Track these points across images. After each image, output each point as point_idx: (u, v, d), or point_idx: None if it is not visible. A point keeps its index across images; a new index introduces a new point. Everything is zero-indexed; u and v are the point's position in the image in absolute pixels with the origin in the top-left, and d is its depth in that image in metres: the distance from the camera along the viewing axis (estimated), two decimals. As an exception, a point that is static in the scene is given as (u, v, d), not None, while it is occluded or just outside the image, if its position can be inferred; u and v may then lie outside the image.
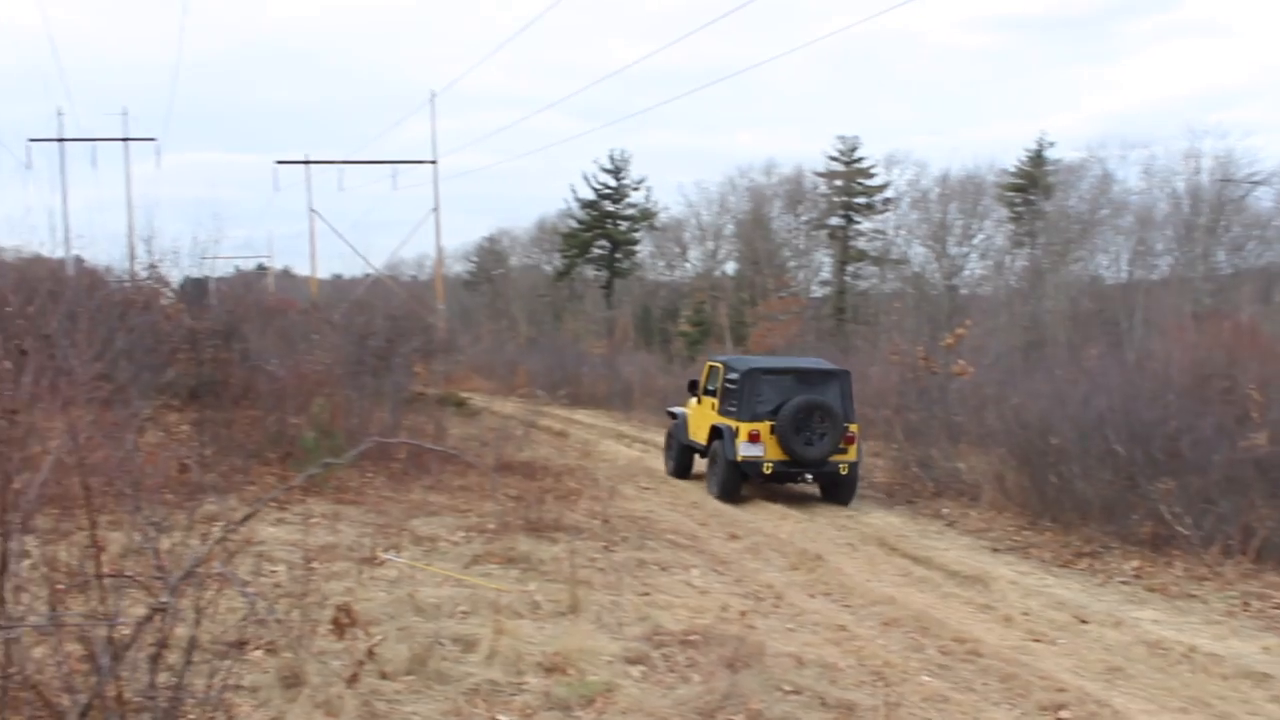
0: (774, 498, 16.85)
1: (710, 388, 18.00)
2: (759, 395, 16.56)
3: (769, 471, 16.32)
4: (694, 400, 18.68)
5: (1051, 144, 59.02)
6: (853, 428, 16.50)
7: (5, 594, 3.65)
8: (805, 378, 17.10)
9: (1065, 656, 8.81)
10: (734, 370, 17.12)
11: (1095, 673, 8.35)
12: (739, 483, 16.64)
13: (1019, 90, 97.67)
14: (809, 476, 16.50)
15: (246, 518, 3.74)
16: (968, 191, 57.80)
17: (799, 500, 16.79)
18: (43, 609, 4.44)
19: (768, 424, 16.28)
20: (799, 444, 16.07)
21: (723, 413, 17.04)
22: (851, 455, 16.45)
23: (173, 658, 4.38)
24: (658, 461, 20.79)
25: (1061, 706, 7.41)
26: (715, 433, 17.01)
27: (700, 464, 18.25)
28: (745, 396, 16.56)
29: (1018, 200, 58.28)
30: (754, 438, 16.29)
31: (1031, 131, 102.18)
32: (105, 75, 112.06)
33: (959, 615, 10.04)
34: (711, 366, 18.36)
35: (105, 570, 3.99)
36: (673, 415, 19.75)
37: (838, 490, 16.65)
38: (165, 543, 4.78)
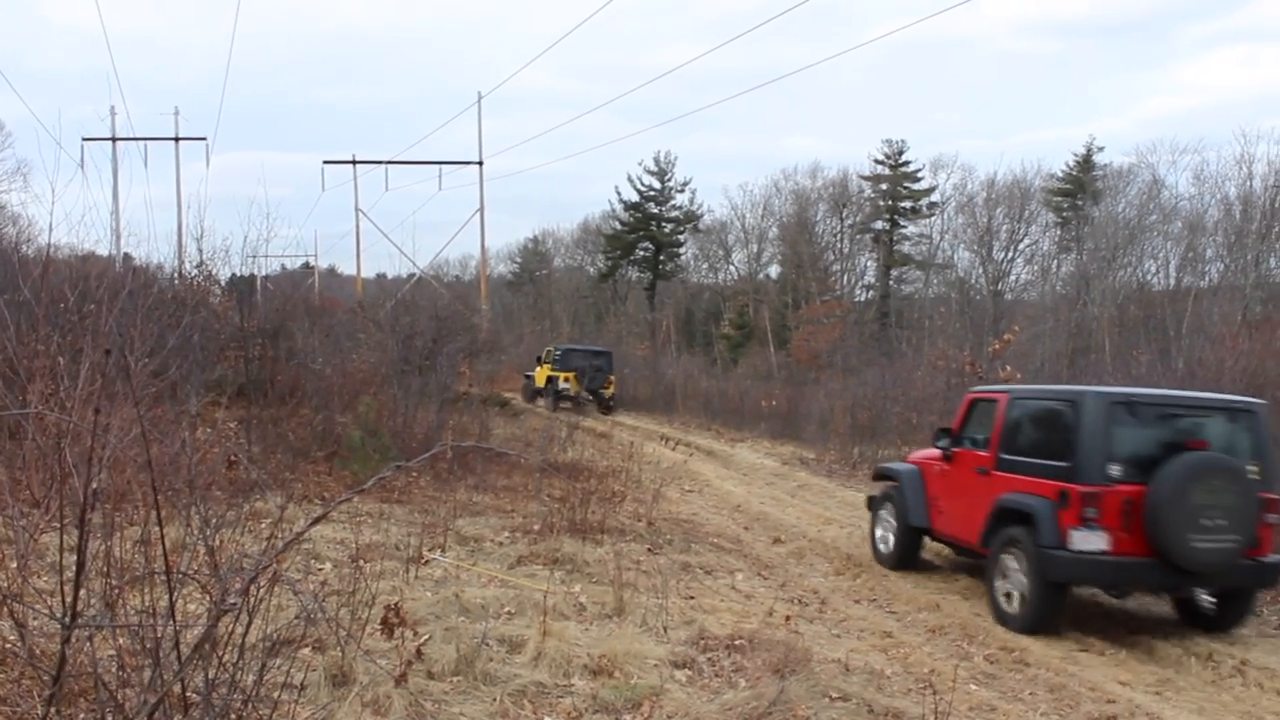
0: (816, 499, 16.89)
1: (547, 360, 36.37)
2: (570, 360, 35.39)
3: (573, 394, 33.68)
4: (538, 368, 37.04)
5: (1100, 149, 58.73)
6: (612, 378, 35.75)
7: (64, 590, 3.69)
8: (593, 353, 36.71)
9: (1114, 667, 8.71)
10: (559, 349, 36.53)
11: (1145, 684, 8.25)
12: (558, 400, 34.11)
13: (1072, 95, 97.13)
14: (590, 396, 33.38)
15: (315, 521, 3.75)
16: (1014, 196, 57.46)
17: (845, 505, 16.79)
18: (97, 604, 4.49)
19: (574, 373, 34.66)
20: (588, 382, 34.19)
21: (554, 370, 35.43)
22: (613, 389, 35.59)
23: (223, 655, 4.42)
24: (701, 465, 21.19)
25: (1112, 718, 7.33)
26: (549, 380, 35.49)
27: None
28: (563, 360, 35.41)
29: (1065, 205, 57.87)
30: (568, 379, 34.65)
31: (1081, 136, 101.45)
32: (158, 76, 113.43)
33: (1005, 624, 9.94)
34: (548, 349, 37.76)
35: (161, 566, 4.02)
36: (528, 376, 38.16)
37: (606, 406, 34.57)
38: (217, 539, 4.82)
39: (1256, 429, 9.87)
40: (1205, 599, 9.99)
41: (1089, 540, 9.26)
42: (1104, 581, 9.79)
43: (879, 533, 12.91)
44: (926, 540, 12.54)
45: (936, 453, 12.13)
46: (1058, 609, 9.71)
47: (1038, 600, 9.59)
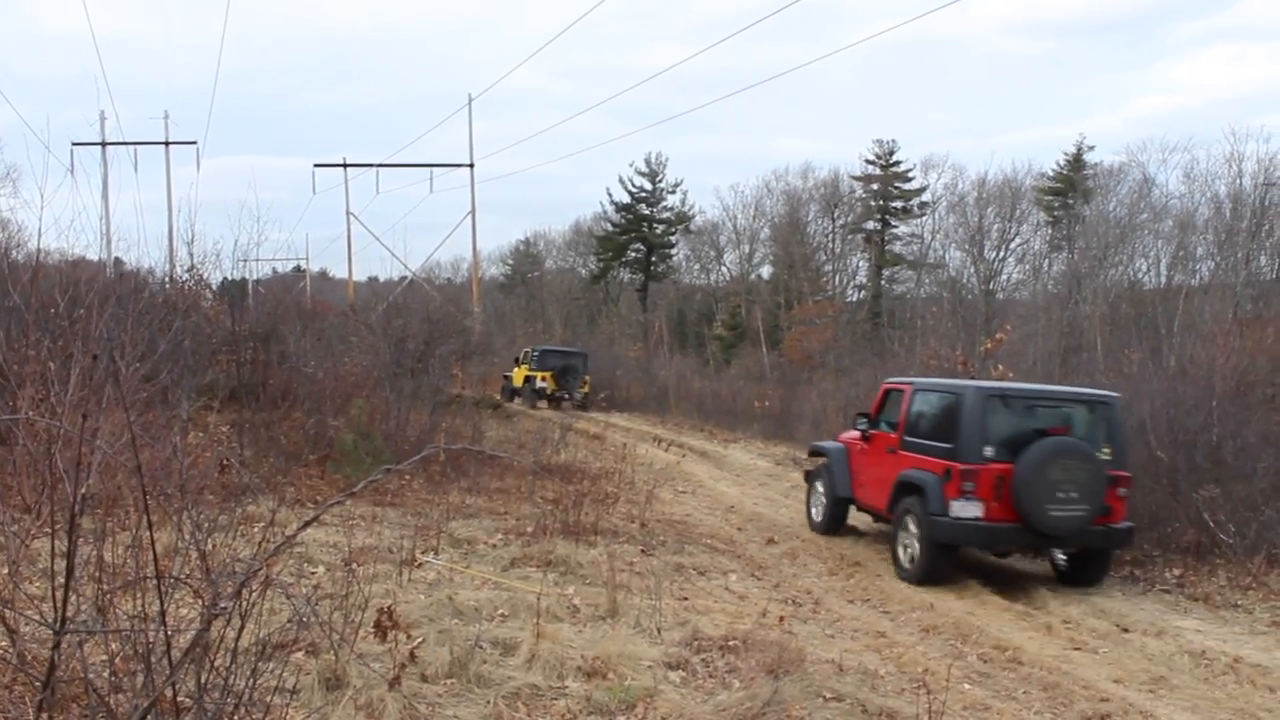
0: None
1: (525, 361, 38.01)
2: (547, 360, 37.21)
3: (550, 393, 36.27)
4: (516, 368, 38.62)
5: (1091, 148, 58.85)
6: (586, 378, 37.25)
7: (55, 595, 3.68)
8: (566, 354, 38.42)
9: (1107, 665, 8.73)
10: (536, 350, 38.27)
11: (1139, 683, 8.27)
12: (536, 399, 36.01)
13: (1062, 95, 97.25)
14: (570, 397, 36.00)
15: (306, 524, 3.74)
16: (1005, 195, 57.48)
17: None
18: (88, 609, 4.47)
19: (551, 373, 36.59)
20: (565, 382, 36.27)
21: (531, 370, 37.11)
22: (586, 389, 36.71)
23: (216, 659, 4.40)
24: (694, 466, 21.19)
25: (1105, 716, 7.34)
26: (527, 379, 37.11)
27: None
28: (540, 361, 37.19)
29: (1056, 204, 57.93)
30: (544, 379, 36.52)
31: (1072, 135, 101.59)
32: (148, 80, 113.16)
33: (998, 623, 9.97)
34: (525, 350, 39.30)
35: (153, 571, 4.00)
36: (506, 376, 39.37)
37: (581, 403, 35.75)
38: (209, 543, 4.80)
39: (1111, 418, 11.69)
40: (1059, 557, 11.89)
41: (966, 509, 11.18)
42: (979, 543, 11.72)
43: (812, 502, 14.92)
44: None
45: (858, 434, 13.96)
46: (945, 565, 11.48)
47: (927, 558, 11.44)
